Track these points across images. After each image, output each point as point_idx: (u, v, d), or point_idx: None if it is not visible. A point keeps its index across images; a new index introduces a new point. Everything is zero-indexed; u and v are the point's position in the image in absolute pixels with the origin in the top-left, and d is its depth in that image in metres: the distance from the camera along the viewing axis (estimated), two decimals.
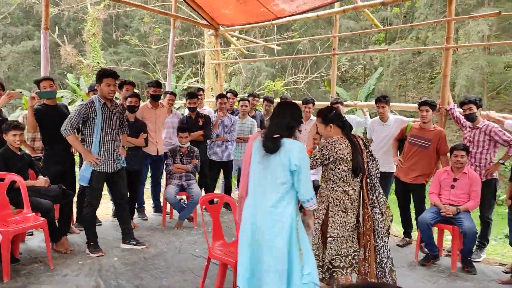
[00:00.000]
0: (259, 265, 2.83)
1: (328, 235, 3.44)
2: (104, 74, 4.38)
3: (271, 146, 2.81)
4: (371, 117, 6.39)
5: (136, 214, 5.99)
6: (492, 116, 5.09)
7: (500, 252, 5.89)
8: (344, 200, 3.41)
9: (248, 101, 6.59)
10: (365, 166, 3.43)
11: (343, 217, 3.41)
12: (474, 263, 4.62)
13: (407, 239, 5.44)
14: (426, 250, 4.85)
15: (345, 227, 3.41)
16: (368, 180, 3.46)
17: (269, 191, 2.83)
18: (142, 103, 5.82)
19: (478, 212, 5.03)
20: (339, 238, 3.40)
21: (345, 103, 6.66)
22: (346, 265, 3.40)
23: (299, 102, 6.41)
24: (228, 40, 9.12)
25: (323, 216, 3.48)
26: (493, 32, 15.86)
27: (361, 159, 3.41)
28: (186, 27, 20.29)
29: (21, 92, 5.09)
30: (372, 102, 6.26)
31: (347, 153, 3.36)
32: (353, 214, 3.45)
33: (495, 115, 5.14)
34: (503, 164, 4.91)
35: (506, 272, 4.51)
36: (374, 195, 3.48)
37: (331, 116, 3.49)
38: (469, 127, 5.02)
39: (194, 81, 17.52)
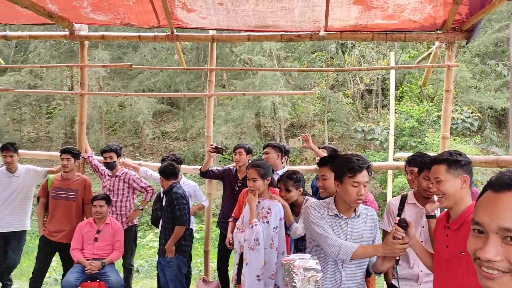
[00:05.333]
0: None
1: None
2: None
3: None
4: None
5: None
6: (128, 164, 5.25)
7: None
8: None
9: None
10: None
11: None
12: None
13: None
14: None
15: None
16: None
17: None
18: None
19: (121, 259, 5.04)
20: None
21: None
22: None
23: None
24: None
25: None
26: (107, 74, 17.14)
27: None
28: None
29: None
30: None
31: None
32: None
33: (131, 162, 5.34)
34: (142, 210, 5.14)
35: None
36: None
37: None
38: (108, 175, 5.00)
39: None
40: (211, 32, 5.03)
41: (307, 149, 4.67)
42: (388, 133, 9.72)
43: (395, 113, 15.50)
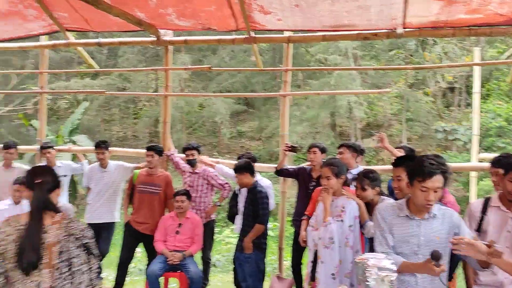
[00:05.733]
0: None
1: None
2: None
3: None
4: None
5: None
6: (204, 161, 5.46)
7: None
8: None
9: None
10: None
11: None
12: None
13: None
14: None
15: None
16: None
17: None
18: None
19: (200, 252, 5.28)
20: None
21: (56, 147, 5.95)
22: None
23: None
24: None
25: None
26: (188, 76, 17.95)
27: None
28: None
29: None
30: (90, 148, 5.88)
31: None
32: None
33: (207, 160, 5.55)
34: (220, 206, 5.36)
35: None
36: None
37: None
38: (189, 172, 5.27)
39: None
40: (287, 33, 5.12)
41: (383, 149, 4.58)
42: (472, 133, 9.13)
43: (481, 112, 14.53)
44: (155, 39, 5.27)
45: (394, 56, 17.17)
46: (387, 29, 4.68)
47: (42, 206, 2.33)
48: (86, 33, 5.82)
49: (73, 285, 2.28)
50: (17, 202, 5.05)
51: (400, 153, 4.40)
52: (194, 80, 19.12)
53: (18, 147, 5.80)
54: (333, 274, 3.41)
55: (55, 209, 2.37)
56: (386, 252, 2.50)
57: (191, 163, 5.19)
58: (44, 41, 5.96)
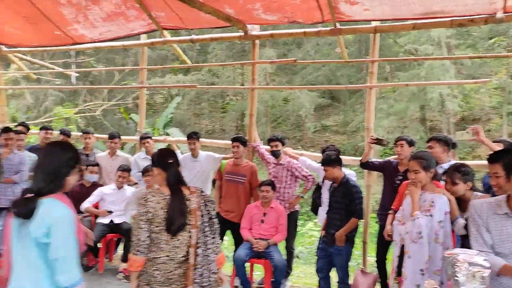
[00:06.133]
0: None
1: None
2: None
3: (22, 209, 2.01)
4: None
5: None
6: (288, 153, 5.53)
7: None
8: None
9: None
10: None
11: None
12: None
13: None
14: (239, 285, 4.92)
15: None
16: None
17: (23, 275, 2.06)
18: None
19: (283, 242, 5.38)
20: None
21: (153, 138, 6.42)
22: None
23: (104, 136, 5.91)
24: (13, 62, 7.84)
25: None
26: (273, 70, 18.27)
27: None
28: None
29: None
30: (183, 138, 6.25)
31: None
32: None
33: (291, 151, 5.62)
34: (303, 197, 5.42)
35: None
36: None
37: None
38: (274, 163, 5.39)
39: None
40: (374, 23, 5.01)
41: (481, 144, 4.26)
42: None
43: None
44: (243, 34, 5.45)
45: (494, 44, 15.84)
46: (485, 14, 4.38)
47: (179, 180, 2.79)
48: (178, 31, 6.16)
49: (215, 239, 2.87)
50: (120, 187, 5.59)
51: (499, 147, 4.09)
52: (278, 75, 19.37)
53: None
54: (421, 270, 3.29)
55: (185, 183, 2.85)
56: (484, 251, 2.39)
57: (275, 154, 5.30)
58: (143, 39, 6.44)
